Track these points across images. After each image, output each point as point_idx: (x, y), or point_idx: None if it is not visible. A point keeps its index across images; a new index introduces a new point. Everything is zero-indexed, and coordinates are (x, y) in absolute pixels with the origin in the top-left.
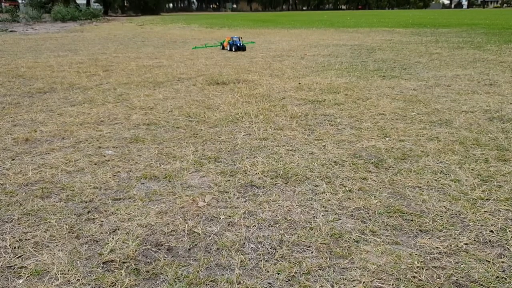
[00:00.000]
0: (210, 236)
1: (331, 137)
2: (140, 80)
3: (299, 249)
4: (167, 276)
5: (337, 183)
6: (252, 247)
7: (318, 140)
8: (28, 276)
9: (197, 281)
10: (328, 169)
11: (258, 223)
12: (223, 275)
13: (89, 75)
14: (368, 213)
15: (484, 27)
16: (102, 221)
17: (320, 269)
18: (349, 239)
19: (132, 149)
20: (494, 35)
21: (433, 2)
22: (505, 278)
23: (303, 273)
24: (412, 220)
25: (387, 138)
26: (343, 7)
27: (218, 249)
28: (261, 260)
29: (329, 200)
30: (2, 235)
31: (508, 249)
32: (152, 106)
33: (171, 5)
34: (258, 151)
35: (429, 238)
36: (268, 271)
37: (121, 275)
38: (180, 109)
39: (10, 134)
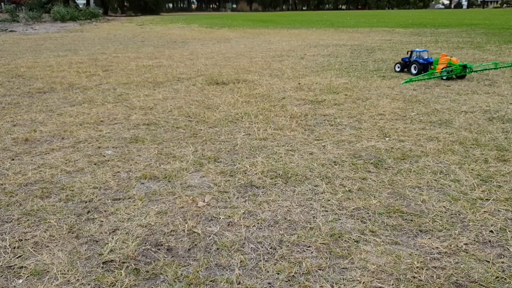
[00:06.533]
0: (210, 236)
1: (331, 137)
2: (140, 80)
3: (299, 249)
4: (167, 276)
5: (337, 183)
6: (252, 247)
7: (317, 140)
8: (28, 276)
9: (197, 281)
10: (328, 169)
11: (258, 223)
12: (223, 275)
13: (89, 75)
14: (368, 213)
15: (484, 27)
16: (102, 221)
17: (320, 269)
18: (349, 239)
19: (132, 149)
20: (494, 35)
21: (433, 2)
22: (505, 278)
23: (303, 273)
24: (412, 220)
25: (387, 138)
26: (343, 7)
27: (218, 249)
28: (261, 260)
29: (329, 200)
30: (2, 235)
31: (508, 249)
32: (151, 106)
33: (170, 5)
34: (258, 151)
35: (429, 238)
36: (268, 271)
37: (121, 275)
38: (179, 109)
39: (10, 134)
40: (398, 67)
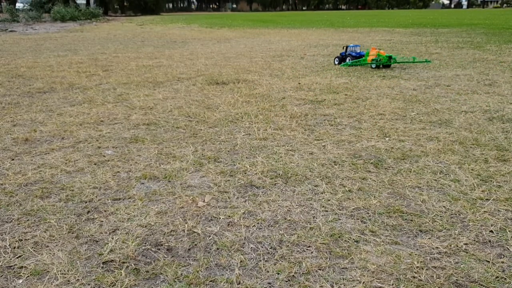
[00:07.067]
0: (210, 236)
1: (331, 137)
2: (140, 80)
3: (299, 249)
4: (167, 276)
5: (337, 183)
6: (252, 247)
7: (317, 140)
8: (28, 276)
9: (197, 281)
10: (327, 169)
11: (258, 223)
12: (223, 275)
13: (89, 75)
14: (368, 213)
15: (484, 27)
16: (102, 221)
17: (320, 269)
18: (348, 239)
19: (132, 149)
20: (494, 35)
21: (433, 2)
22: (505, 278)
23: (303, 273)
24: (412, 220)
25: (387, 138)
26: (343, 7)
27: (218, 249)
28: (261, 260)
29: (329, 200)
30: (2, 235)
31: (508, 249)
32: (151, 106)
33: (170, 5)
34: (258, 151)
35: (429, 238)
36: (268, 271)
37: (121, 275)
38: (179, 109)
39: (10, 134)
40: (337, 60)
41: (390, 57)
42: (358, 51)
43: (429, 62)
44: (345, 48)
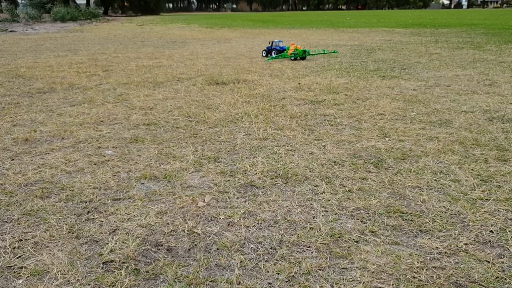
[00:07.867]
0: (210, 236)
1: (331, 137)
2: (140, 80)
3: (299, 249)
4: (167, 276)
5: (337, 183)
6: (252, 247)
7: (317, 140)
8: (28, 276)
9: (197, 281)
10: (328, 169)
11: (258, 223)
12: (223, 275)
13: (89, 75)
14: (368, 213)
15: (484, 27)
16: (102, 221)
17: (320, 269)
18: (348, 239)
19: (132, 149)
20: (494, 35)
21: (433, 2)
22: (505, 278)
23: (303, 273)
24: (412, 220)
25: (387, 138)
26: (343, 7)
27: (218, 249)
28: (261, 260)
29: (329, 200)
30: (2, 235)
31: (508, 249)
32: (151, 106)
33: (170, 5)
34: (258, 151)
35: (429, 238)
36: (268, 271)
37: (121, 275)
38: (179, 109)
39: (10, 134)
40: (264, 53)
41: (304, 51)
42: (281, 45)
43: (337, 52)
44: (271, 43)
